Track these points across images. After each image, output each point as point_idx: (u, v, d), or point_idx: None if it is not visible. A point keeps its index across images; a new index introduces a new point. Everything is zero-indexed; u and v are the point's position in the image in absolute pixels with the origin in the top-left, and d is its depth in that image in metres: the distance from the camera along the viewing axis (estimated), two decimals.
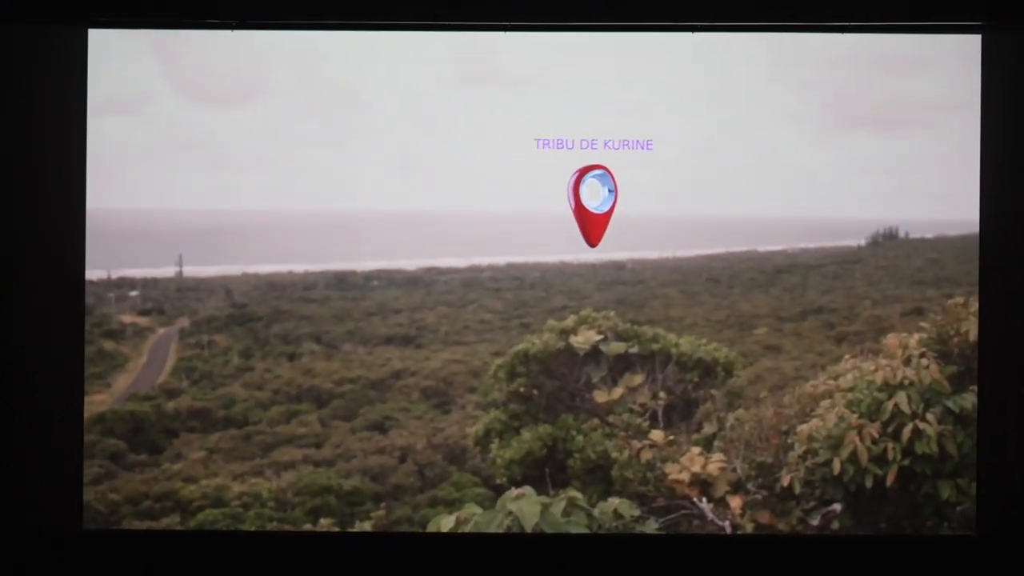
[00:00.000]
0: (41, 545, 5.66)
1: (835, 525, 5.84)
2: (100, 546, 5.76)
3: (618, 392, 6.14)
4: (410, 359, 6.36)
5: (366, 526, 5.97)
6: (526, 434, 6.12)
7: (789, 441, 5.93)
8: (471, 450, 6.19)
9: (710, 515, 5.91)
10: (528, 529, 5.80)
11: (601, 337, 6.19)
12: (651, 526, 5.90)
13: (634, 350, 6.18)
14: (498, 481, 6.08)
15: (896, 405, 5.80)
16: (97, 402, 6.02)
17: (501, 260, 6.52)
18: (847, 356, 6.02)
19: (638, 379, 6.16)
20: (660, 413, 6.12)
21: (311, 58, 5.87)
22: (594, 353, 6.19)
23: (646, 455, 5.99)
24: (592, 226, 5.80)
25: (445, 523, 5.89)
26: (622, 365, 6.18)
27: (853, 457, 5.80)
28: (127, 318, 6.23)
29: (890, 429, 5.81)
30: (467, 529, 5.85)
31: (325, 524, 5.95)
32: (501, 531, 5.82)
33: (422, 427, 6.27)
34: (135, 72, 5.84)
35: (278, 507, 5.99)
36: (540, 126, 5.82)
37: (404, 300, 6.41)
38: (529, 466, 6.08)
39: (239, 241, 6.34)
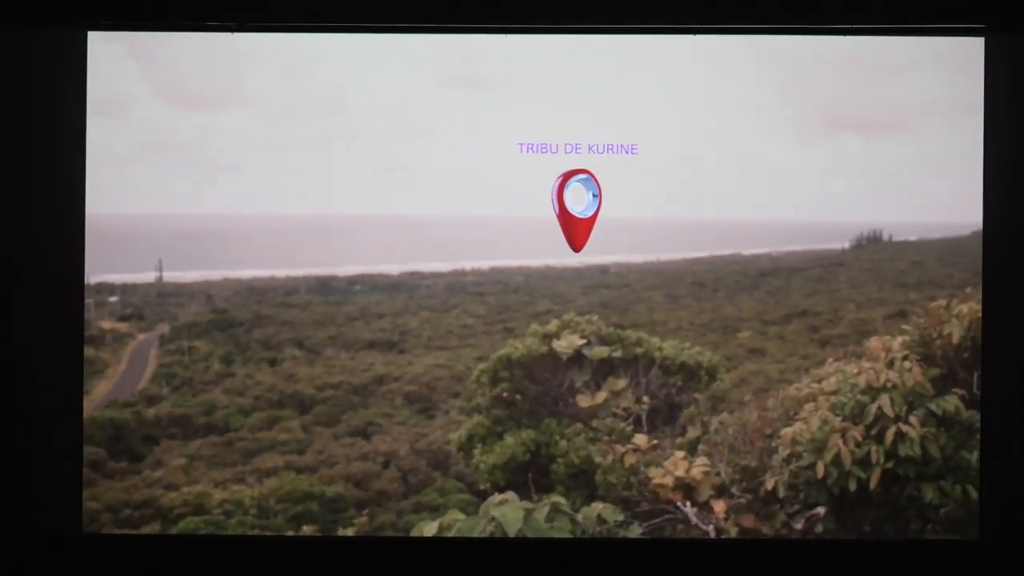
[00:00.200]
0: (40, 547, 5.62)
1: (819, 528, 5.85)
2: (100, 548, 5.73)
3: (601, 396, 6.13)
4: (393, 364, 6.32)
5: (349, 532, 5.93)
6: (509, 439, 6.09)
7: (773, 444, 5.93)
8: (455, 455, 6.16)
9: (694, 519, 5.90)
10: (511, 535, 5.77)
11: (584, 341, 6.18)
12: (635, 531, 5.89)
13: (617, 354, 6.17)
14: (481, 487, 6.05)
15: (879, 408, 5.81)
16: None
17: (485, 264, 6.49)
18: (831, 359, 6.03)
19: (622, 383, 6.15)
20: (644, 417, 6.11)
21: (294, 62, 5.84)
22: (577, 357, 6.18)
23: (630, 459, 5.98)
24: (576, 230, 5.78)
25: (428, 529, 5.87)
26: (605, 369, 6.17)
27: (837, 460, 5.80)
28: (106, 324, 6.16)
29: (873, 432, 5.82)
30: (450, 535, 5.82)
31: (308, 531, 5.91)
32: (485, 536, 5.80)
33: (405, 433, 6.23)
34: (115, 75, 5.78)
35: (260, 514, 5.94)
36: (524, 130, 5.79)
37: (387, 305, 6.37)
38: (512, 471, 6.05)
39: (220, 246, 6.29)
